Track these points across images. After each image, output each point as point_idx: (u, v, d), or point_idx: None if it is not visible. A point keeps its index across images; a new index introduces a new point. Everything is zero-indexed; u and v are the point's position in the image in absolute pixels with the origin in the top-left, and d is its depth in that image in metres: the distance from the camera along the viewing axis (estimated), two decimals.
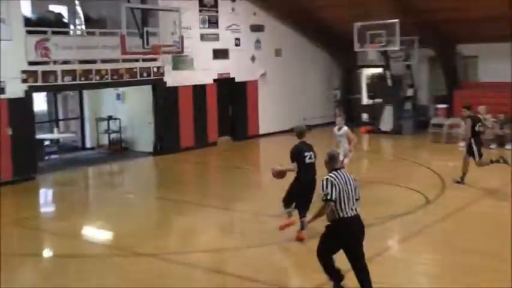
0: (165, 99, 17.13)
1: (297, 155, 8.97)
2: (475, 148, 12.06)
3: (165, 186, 13.76)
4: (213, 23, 18.69)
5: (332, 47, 22.86)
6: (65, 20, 16.72)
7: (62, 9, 17.10)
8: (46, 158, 16.73)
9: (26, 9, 15.52)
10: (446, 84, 20.58)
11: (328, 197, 6.27)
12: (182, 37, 15.70)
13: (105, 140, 18.13)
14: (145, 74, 16.53)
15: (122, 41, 14.09)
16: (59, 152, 17.23)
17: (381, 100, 21.11)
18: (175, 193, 12.69)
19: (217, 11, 18.77)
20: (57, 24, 15.74)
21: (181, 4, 16.48)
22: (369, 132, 20.73)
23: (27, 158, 13.92)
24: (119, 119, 17.94)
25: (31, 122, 14.48)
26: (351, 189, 6.40)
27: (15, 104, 13.67)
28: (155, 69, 16.79)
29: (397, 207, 10.79)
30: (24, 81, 13.90)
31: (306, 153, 9.00)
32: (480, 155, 12.12)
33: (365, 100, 23.22)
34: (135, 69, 16.23)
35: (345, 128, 11.82)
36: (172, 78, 17.26)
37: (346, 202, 6.32)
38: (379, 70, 21.73)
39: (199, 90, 18.04)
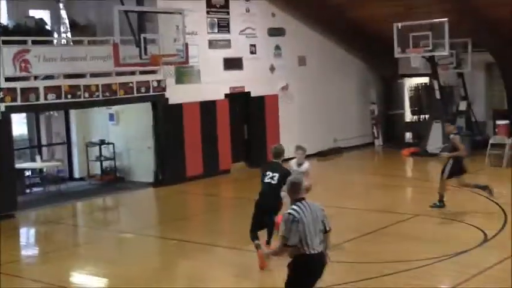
0: (167, 119, 17.36)
1: (260, 173, 10.14)
2: (447, 168, 13.03)
3: (167, 224, 13.91)
4: (224, 26, 19.00)
5: (367, 53, 23.02)
6: (48, 27, 17.04)
7: (44, 15, 17.44)
8: (27, 191, 17.02)
9: (2, 15, 15.90)
10: (507, 96, 20.61)
11: (286, 242, 6.54)
12: (187, 44, 15.90)
13: (96, 169, 18.38)
14: (143, 90, 16.81)
15: (115, 51, 14.28)
16: (42, 184, 17.52)
17: (428, 116, 21.17)
18: (180, 232, 12.82)
19: (228, 13, 19.09)
20: (38, 32, 16.07)
21: (184, 5, 16.71)
22: (413, 154, 20.76)
23: (4, 192, 14.17)
24: (113, 143, 18.21)
25: (9, 149, 14.76)
26: (316, 223, 6.64)
27: None
28: (155, 84, 17.06)
29: (450, 244, 10.82)
30: (1, 100, 14.19)
31: (267, 173, 9.97)
32: (451, 175, 13.07)
33: (408, 116, 23.29)
34: (131, 84, 16.52)
35: (306, 164, 11.59)
36: (176, 94, 17.52)
37: (312, 237, 6.58)
38: (425, 80, 21.84)
39: (208, 108, 18.28)
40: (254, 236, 9.98)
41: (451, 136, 13.38)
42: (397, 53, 19.46)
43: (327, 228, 6.77)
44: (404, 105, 23.80)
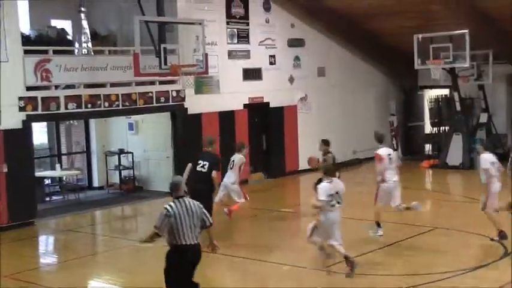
0: (186, 129, 17.46)
1: (193, 162, 11.93)
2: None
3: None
4: (243, 37, 19.12)
5: (387, 64, 23.04)
6: (69, 37, 17.24)
7: (65, 25, 17.63)
8: (47, 199, 17.21)
9: (24, 25, 16.08)
10: None
11: (155, 229, 7.77)
12: (206, 55, 15.91)
13: (115, 178, 18.53)
14: (162, 100, 16.96)
15: (135, 61, 14.33)
16: (61, 193, 17.71)
17: (448, 128, 21.10)
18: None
19: (248, 24, 19.22)
20: (59, 41, 16.28)
21: (205, 16, 16.85)
22: (433, 166, 20.69)
23: (25, 200, 14.35)
24: (132, 153, 18.36)
25: (30, 158, 14.97)
26: (192, 217, 7.69)
27: (12, 137, 14.16)
28: (174, 94, 17.20)
29: (469, 258, 10.83)
30: (22, 109, 14.41)
31: (199, 161, 11.77)
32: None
33: (428, 128, 23.22)
34: (150, 94, 16.68)
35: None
36: (195, 104, 17.64)
37: (184, 230, 7.63)
38: (445, 91, 21.78)
39: (226, 118, 18.39)
40: None
41: None
42: (417, 64, 19.45)
43: (207, 224, 7.87)
44: (424, 117, 23.75)
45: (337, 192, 9.88)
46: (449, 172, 19.86)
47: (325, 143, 13.65)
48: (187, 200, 7.82)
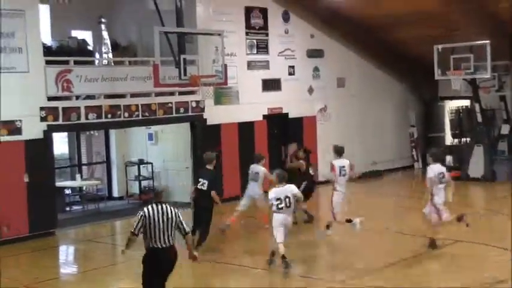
0: (205, 139, 17.52)
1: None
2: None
3: (203, 245, 13.95)
4: (263, 48, 19.19)
5: (407, 75, 22.99)
6: (90, 48, 17.40)
7: (86, 35, 17.80)
8: (67, 209, 17.33)
9: (46, 36, 16.24)
10: None
11: (131, 230, 8.17)
12: (225, 65, 15.94)
13: (135, 188, 18.63)
14: (182, 110, 17.05)
15: (155, 71, 14.41)
16: (81, 203, 17.83)
17: (469, 139, 20.99)
18: (215, 252, 12.80)
19: (267, 34, 19.28)
20: (80, 52, 16.44)
21: (224, 27, 16.94)
22: (454, 178, 20.54)
23: (45, 210, 14.46)
24: (151, 163, 18.46)
25: (50, 168, 15.11)
26: (167, 222, 8.09)
27: (33, 146, 14.29)
28: (194, 104, 17.29)
29: (491, 272, 10.74)
30: (43, 119, 14.54)
31: (199, 179, 12.47)
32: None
33: (449, 139, 23.11)
34: (170, 104, 16.78)
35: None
36: (214, 115, 17.72)
37: (157, 234, 8.05)
38: (466, 102, 21.69)
39: (246, 129, 18.44)
40: (193, 232, 11.92)
41: None
42: (437, 75, 19.39)
43: (183, 232, 8.29)
44: (444, 128, 23.65)
45: (287, 197, 11.01)
46: (471, 184, 19.72)
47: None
48: (166, 206, 8.23)
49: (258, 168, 14.21)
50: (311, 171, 15.30)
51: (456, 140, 22.57)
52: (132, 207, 17.76)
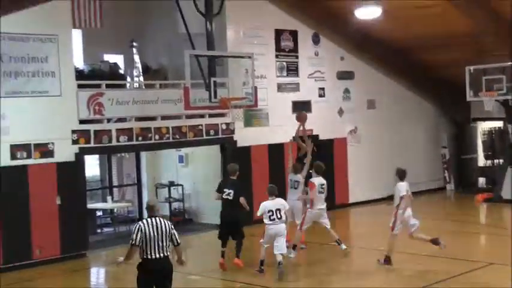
0: (235, 161, 17.50)
1: (218, 189, 12.97)
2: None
3: (235, 267, 13.96)
4: (293, 70, 19.27)
5: (439, 97, 22.89)
6: (121, 71, 17.62)
7: (118, 59, 18.07)
8: (98, 231, 17.47)
9: (78, 60, 16.53)
10: None
11: (132, 242, 8.56)
12: (255, 88, 16.00)
13: (165, 210, 18.69)
14: (212, 132, 17.17)
15: (186, 94, 14.51)
16: (112, 224, 17.97)
17: (502, 161, 20.76)
18: (249, 275, 12.84)
19: (297, 57, 19.37)
20: (112, 76, 16.64)
21: (254, 49, 17.08)
22: (486, 200, 20.35)
23: (77, 232, 14.64)
24: (182, 185, 18.56)
25: (82, 190, 15.29)
26: (161, 235, 8.53)
27: (65, 169, 14.49)
28: (224, 126, 17.40)
29: None
30: (75, 142, 14.76)
31: (225, 189, 12.68)
32: None
33: (481, 161, 22.88)
34: (200, 127, 16.91)
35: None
36: (244, 137, 17.81)
37: (152, 245, 8.50)
38: (499, 124, 21.48)
39: (276, 150, 18.45)
40: (223, 243, 12.77)
41: None
42: (469, 96, 19.31)
43: (175, 243, 8.78)
44: (477, 150, 23.43)
45: (278, 209, 12.16)
46: (505, 206, 19.49)
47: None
48: (160, 219, 8.70)
49: (296, 177, 14.69)
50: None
51: (489, 162, 22.34)
52: None
